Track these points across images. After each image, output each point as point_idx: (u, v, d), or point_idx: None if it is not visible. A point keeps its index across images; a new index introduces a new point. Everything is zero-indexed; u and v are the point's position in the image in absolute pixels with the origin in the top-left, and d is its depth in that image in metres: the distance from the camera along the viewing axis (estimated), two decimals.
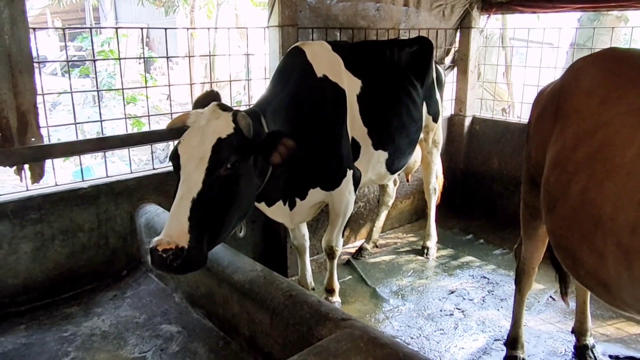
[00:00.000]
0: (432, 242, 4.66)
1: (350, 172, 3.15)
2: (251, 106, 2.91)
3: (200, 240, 2.10)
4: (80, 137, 3.31)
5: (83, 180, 3.21)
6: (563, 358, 3.24)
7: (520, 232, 3.02)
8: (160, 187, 3.41)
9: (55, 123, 3.07)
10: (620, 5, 4.42)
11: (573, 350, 3.26)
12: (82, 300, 3.06)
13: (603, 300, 2.26)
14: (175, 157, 2.24)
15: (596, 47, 6.19)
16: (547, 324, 3.60)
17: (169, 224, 2.07)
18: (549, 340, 3.40)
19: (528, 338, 3.37)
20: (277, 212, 3.00)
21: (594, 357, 3.17)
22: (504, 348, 3.19)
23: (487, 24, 5.41)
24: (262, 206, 2.91)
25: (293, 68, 3.00)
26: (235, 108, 2.51)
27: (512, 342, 3.13)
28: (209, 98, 2.49)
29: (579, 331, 3.24)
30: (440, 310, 3.74)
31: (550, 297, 3.92)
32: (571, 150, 2.24)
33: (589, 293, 3.11)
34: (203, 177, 2.14)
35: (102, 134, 3.51)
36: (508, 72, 7.62)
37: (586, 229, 2.07)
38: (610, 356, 3.24)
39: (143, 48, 11.67)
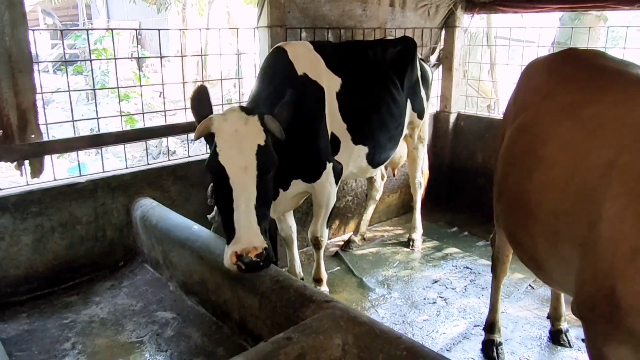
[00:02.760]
0: (418, 235, 4.83)
1: (330, 165, 3.31)
2: (243, 103, 3.06)
3: (266, 237, 2.34)
4: (76, 134, 3.44)
5: (81, 175, 3.35)
6: (539, 342, 3.42)
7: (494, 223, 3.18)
8: (155, 182, 3.55)
9: (49, 121, 3.18)
10: (597, 5, 4.60)
11: (548, 334, 3.44)
12: (81, 290, 3.21)
13: (540, 279, 2.50)
14: (217, 167, 2.32)
15: (576, 46, 6.39)
16: (525, 310, 3.78)
17: (246, 232, 2.24)
18: (526, 326, 3.58)
19: (506, 324, 3.55)
20: None
21: (568, 340, 3.36)
22: (483, 333, 3.37)
23: (471, 23, 5.57)
24: None
25: (276, 67, 3.15)
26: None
27: (490, 326, 3.31)
28: (202, 94, 2.53)
29: (554, 316, 3.42)
30: (424, 299, 3.91)
31: (529, 285, 4.10)
32: (512, 144, 2.45)
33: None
34: (255, 184, 2.32)
35: (97, 131, 3.64)
36: (493, 70, 7.82)
37: (521, 216, 2.30)
38: (583, 340, 3.40)
39: (137, 47, 11.76)
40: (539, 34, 5.41)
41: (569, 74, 2.43)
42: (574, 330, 3.46)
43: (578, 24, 6.88)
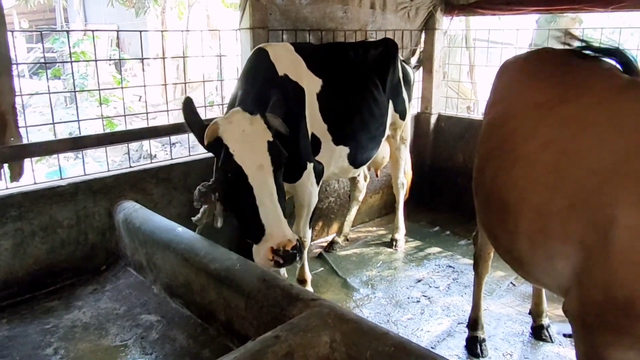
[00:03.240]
0: (401, 235, 4.87)
1: (310, 166, 3.32)
2: (225, 105, 3.05)
3: None
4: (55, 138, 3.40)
5: (62, 179, 3.30)
6: (521, 338, 3.47)
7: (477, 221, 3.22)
8: (137, 185, 3.52)
9: (25, 125, 3.15)
10: (572, 7, 4.71)
11: (530, 330, 3.50)
12: (62, 295, 3.15)
13: (521, 276, 2.50)
14: (234, 168, 2.36)
15: (553, 48, 6.52)
16: (508, 307, 3.84)
17: (278, 226, 2.30)
18: (509, 322, 3.64)
19: (489, 321, 3.61)
20: None
21: (549, 336, 3.42)
22: (466, 330, 3.41)
23: (450, 26, 5.65)
24: None
25: (258, 68, 3.17)
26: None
27: (473, 323, 3.35)
28: (189, 104, 2.54)
29: (536, 312, 3.48)
30: (408, 298, 3.94)
31: (511, 283, 4.17)
32: (487, 139, 2.49)
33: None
34: (273, 179, 2.39)
35: (78, 134, 3.60)
36: (472, 72, 7.93)
37: (499, 212, 2.29)
38: (564, 334, 3.48)
39: (118, 49, 11.62)
40: (516, 36, 5.51)
41: (542, 71, 2.46)
42: (555, 325, 3.53)
43: (554, 26, 7.02)
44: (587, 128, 1.99)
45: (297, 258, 2.31)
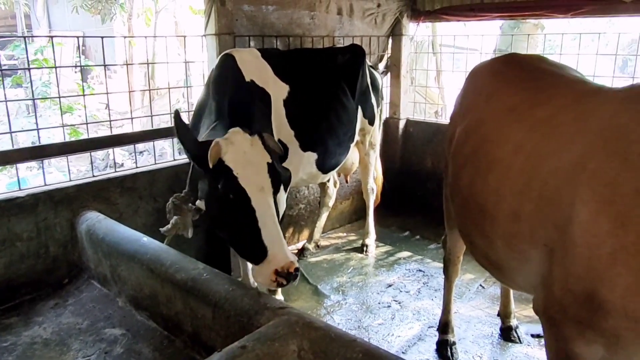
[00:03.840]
0: (371, 240, 4.88)
1: None
2: (191, 112, 2.98)
3: None
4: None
5: (20, 189, 3.19)
6: (491, 340, 3.51)
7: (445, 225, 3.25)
8: (101, 194, 3.43)
9: None
10: (534, 14, 4.82)
11: (499, 332, 3.54)
12: (21, 311, 3.04)
13: (499, 280, 2.50)
14: (238, 190, 2.33)
15: (516, 53, 6.66)
16: (477, 310, 3.87)
17: (281, 247, 2.30)
18: (478, 325, 3.67)
19: (459, 323, 3.63)
20: None
21: (518, 336, 3.46)
22: (437, 334, 3.42)
23: (416, 32, 5.71)
24: (202, 204, 2.96)
25: (226, 74, 3.12)
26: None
27: (444, 327, 3.37)
28: (180, 119, 2.48)
29: (504, 314, 3.52)
30: (379, 303, 3.94)
31: (480, 285, 4.21)
32: (462, 145, 2.48)
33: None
34: (274, 201, 2.40)
35: (39, 144, 3.49)
36: (439, 77, 8.04)
37: (476, 217, 2.29)
38: (532, 335, 3.53)
39: (80, 57, 11.36)
40: (481, 42, 5.61)
41: (511, 76, 2.49)
42: (524, 326, 3.57)
43: (517, 32, 7.19)
44: (554, 131, 2.02)
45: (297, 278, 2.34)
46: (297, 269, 2.28)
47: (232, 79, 3.13)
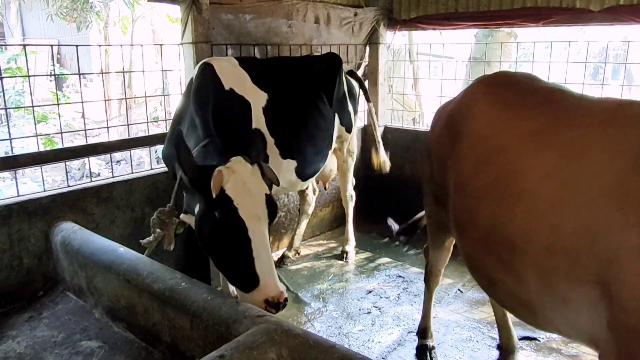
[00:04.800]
0: (351, 247, 4.90)
1: None
2: (169, 121, 2.95)
3: None
4: None
5: None
6: (470, 344, 3.54)
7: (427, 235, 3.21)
8: (77, 205, 3.38)
9: None
10: (506, 22, 4.93)
11: None
12: None
13: (526, 322, 2.27)
14: (237, 220, 2.34)
15: (490, 60, 6.80)
16: (456, 314, 3.91)
17: (273, 277, 2.36)
18: (457, 329, 3.71)
19: (438, 328, 3.66)
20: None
21: None
22: (417, 338, 3.45)
23: (393, 40, 5.79)
24: (188, 217, 2.94)
25: (205, 83, 3.11)
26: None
27: (423, 332, 3.39)
28: (182, 141, 2.46)
29: (507, 348, 3.24)
30: (359, 309, 3.95)
31: (459, 289, 4.25)
32: (472, 176, 2.28)
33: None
34: (268, 231, 2.45)
35: (12, 154, 3.43)
36: (416, 84, 8.15)
37: (501, 253, 2.08)
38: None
39: (54, 65, 11.20)
40: (456, 50, 5.71)
41: (517, 101, 2.34)
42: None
43: (491, 40, 7.34)
44: (585, 153, 1.86)
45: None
46: (286, 299, 2.34)
47: (212, 89, 3.12)
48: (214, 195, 2.32)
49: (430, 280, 3.33)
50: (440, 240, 3.05)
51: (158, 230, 2.90)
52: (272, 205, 2.48)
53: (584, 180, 1.81)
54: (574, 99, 2.20)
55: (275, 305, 2.30)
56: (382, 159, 4.91)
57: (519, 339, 3.56)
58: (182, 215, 2.89)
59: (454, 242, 3.02)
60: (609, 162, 1.77)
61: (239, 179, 2.37)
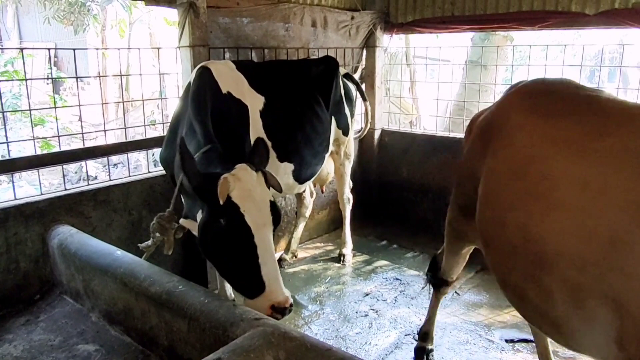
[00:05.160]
0: (348, 250, 4.90)
1: None
2: (167, 124, 2.95)
3: None
4: None
5: None
6: (466, 346, 3.55)
7: (442, 240, 3.13)
8: (74, 208, 3.38)
9: None
10: (502, 26, 4.96)
11: None
12: None
13: (554, 340, 2.18)
14: (244, 226, 2.36)
15: (486, 64, 6.82)
16: (453, 316, 3.92)
17: (279, 283, 2.40)
18: (454, 332, 3.71)
19: (435, 330, 3.65)
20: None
21: None
22: (414, 341, 3.45)
23: (390, 43, 5.81)
24: (187, 222, 2.90)
25: (203, 87, 3.12)
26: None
27: (424, 335, 3.37)
28: (186, 149, 2.47)
29: None
30: (356, 312, 3.96)
31: (455, 292, 4.26)
32: (505, 186, 2.18)
33: (547, 340, 3.02)
34: (272, 238, 2.46)
35: (8, 157, 3.43)
36: (413, 88, 8.17)
37: (530, 267, 1.99)
38: (506, 340, 3.59)
39: (51, 68, 11.19)
40: (453, 53, 5.73)
41: (557, 108, 2.23)
42: (498, 331, 3.65)
43: (488, 44, 7.36)
44: (626, 160, 1.76)
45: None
46: (292, 305, 2.38)
47: (210, 92, 3.13)
48: (221, 203, 2.32)
49: (441, 288, 3.27)
50: (458, 247, 2.99)
51: (158, 235, 2.90)
52: (276, 212, 2.50)
53: (619, 191, 1.71)
54: (615, 105, 2.10)
55: (281, 310, 2.33)
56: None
57: (516, 341, 3.59)
58: (181, 220, 2.89)
59: (471, 251, 2.98)
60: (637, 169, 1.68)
61: (244, 186, 2.39)
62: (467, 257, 3.06)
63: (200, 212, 2.58)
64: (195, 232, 3.08)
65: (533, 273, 1.97)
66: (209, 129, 2.89)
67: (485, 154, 2.40)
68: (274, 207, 2.49)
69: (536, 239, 1.94)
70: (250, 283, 2.37)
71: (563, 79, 2.66)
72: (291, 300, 2.38)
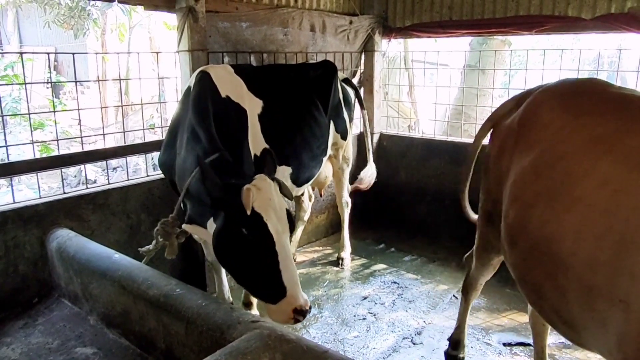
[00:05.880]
0: (347, 253, 4.91)
1: None
2: (165, 128, 2.95)
3: None
4: None
5: None
6: (466, 349, 3.55)
7: (473, 241, 3.09)
8: (72, 211, 3.39)
9: None
10: (500, 31, 4.98)
11: None
12: None
13: (569, 340, 2.16)
14: (266, 234, 2.41)
15: (484, 68, 6.85)
16: (451, 320, 3.91)
17: (298, 290, 2.42)
18: None
19: (433, 334, 3.68)
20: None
21: None
22: (411, 345, 3.46)
23: (388, 48, 5.83)
24: (192, 228, 2.88)
25: (203, 92, 3.13)
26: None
27: (455, 343, 3.36)
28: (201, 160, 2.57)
29: None
30: (354, 316, 3.96)
31: (453, 296, 4.27)
32: (531, 183, 2.16)
33: (546, 342, 3.08)
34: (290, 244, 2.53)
35: (7, 161, 3.44)
36: (411, 92, 8.20)
37: (547, 265, 1.97)
38: (504, 344, 3.60)
39: (51, 72, 11.22)
40: (451, 57, 5.76)
41: (589, 106, 2.21)
42: (496, 335, 3.64)
43: (486, 48, 7.39)
44: None
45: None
46: (310, 307, 2.43)
47: (205, 95, 3.14)
48: (248, 213, 2.39)
49: (469, 293, 3.26)
50: (487, 258, 2.97)
51: (161, 240, 2.92)
52: (291, 220, 2.58)
53: (635, 190, 1.68)
54: None
55: (303, 313, 2.38)
56: (371, 171, 4.95)
57: (513, 345, 3.59)
58: (184, 225, 2.90)
59: (501, 261, 2.93)
60: None
61: (265, 196, 2.46)
62: (497, 267, 3.02)
63: (212, 219, 2.60)
64: (200, 238, 3.10)
65: (550, 272, 1.96)
66: (214, 135, 2.91)
67: (514, 152, 2.39)
68: (289, 215, 2.58)
69: (554, 236, 1.92)
70: (272, 289, 2.42)
71: (592, 78, 2.65)
72: (309, 303, 2.43)
